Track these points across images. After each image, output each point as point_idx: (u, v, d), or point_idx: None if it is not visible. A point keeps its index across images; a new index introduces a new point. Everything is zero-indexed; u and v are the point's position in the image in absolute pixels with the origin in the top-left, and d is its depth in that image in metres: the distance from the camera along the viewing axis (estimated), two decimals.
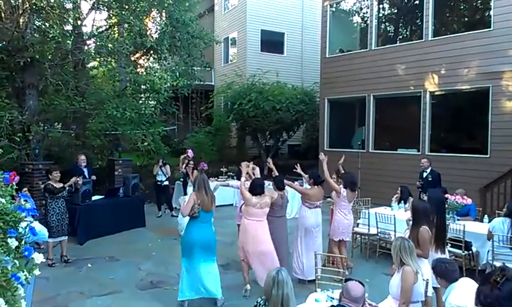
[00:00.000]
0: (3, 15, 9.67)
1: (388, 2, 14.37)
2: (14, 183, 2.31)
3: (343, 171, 7.12)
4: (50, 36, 9.19)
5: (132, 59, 12.81)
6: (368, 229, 7.39)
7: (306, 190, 6.41)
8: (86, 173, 9.08)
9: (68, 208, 7.78)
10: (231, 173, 12.88)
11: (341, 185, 6.40)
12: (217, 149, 17.51)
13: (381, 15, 13.92)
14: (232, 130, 18.98)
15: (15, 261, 2.11)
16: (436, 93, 11.55)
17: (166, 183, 10.72)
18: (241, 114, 15.73)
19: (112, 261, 7.25)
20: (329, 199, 6.94)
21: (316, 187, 6.27)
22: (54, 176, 6.98)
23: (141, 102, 12.63)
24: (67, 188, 7.16)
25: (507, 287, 1.96)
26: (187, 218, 8.79)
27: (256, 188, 5.55)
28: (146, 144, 11.49)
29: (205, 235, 5.19)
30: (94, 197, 8.85)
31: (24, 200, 2.30)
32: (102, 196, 9.25)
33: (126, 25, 11.24)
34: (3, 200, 2.17)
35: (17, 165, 9.44)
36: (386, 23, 15.02)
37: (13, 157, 9.30)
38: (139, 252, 7.70)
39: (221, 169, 13.11)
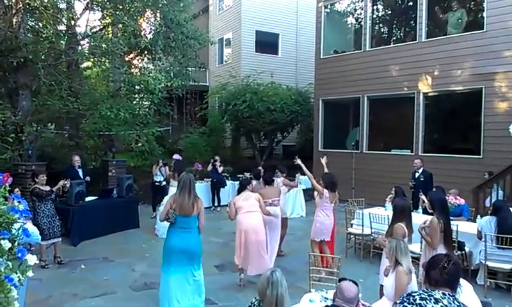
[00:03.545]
0: None
1: (382, 3, 14.43)
2: (7, 184, 2.29)
3: (326, 171, 7.09)
4: (44, 36, 9.16)
5: (126, 59, 12.77)
6: (362, 229, 7.41)
7: (260, 192, 6.63)
8: (80, 174, 9.06)
9: (61, 209, 7.77)
10: (225, 174, 12.87)
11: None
12: (212, 150, 17.47)
13: (375, 16, 13.99)
14: (226, 130, 18.95)
15: (8, 262, 2.10)
16: (430, 94, 11.62)
17: (164, 183, 10.70)
18: (236, 115, 15.71)
19: (105, 262, 7.21)
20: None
21: (267, 186, 6.86)
22: (40, 180, 6.91)
23: (135, 102, 12.59)
24: (55, 191, 7.10)
25: (452, 270, 2.56)
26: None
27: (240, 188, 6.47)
28: (140, 145, 11.46)
29: (183, 242, 4.74)
30: (88, 198, 8.80)
31: (17, 201, 2.29)
32: (96, 197, 9.20)
33: (120, 26, 11.20)
34: None
35: (10, 166, 9.38)
36: (380, 25, 15.10)
37: (5, 158, 9.24)
38: (133, 253, 7.67)
39: (225, 169, 13.10)
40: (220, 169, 11.98)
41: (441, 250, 4.62)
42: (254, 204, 6.03)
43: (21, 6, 9.47)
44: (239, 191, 6.36)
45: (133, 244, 8.29)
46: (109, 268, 6.88)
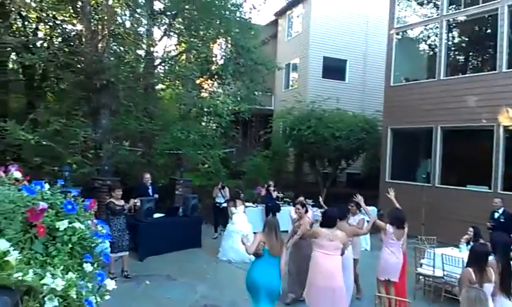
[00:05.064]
0: (84, 39, 10.47)
1: (458, 30, 13.81)
2: (93, 210, 2.43)
3: (397, 206, 6.62)
4: (125, 60, 9.81)
5: (198, 82, 13.29)
6: (434, 270, 6.94)
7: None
8: (150, 191, 9.42)
9: (131, 224, 8.12)
10: (287, 199, 12.76)
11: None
12: (274, 174, 17.48)
13: (450, 43, 13.38)
14: (289, 155, 18.93)
15: (89, 284, 2.20)
16: (511, 128, 10.78)
17: (225, 205, 10.84)
18: (300, 140, 15.65)
19: (169, 279, 7.40)
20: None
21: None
22: (116, 194, 7.28)
23: (203, 124, 13.01)
24: (126, 208, 7.45)
25: None
26: (231, 242, 8.77)
27: (329, 221, 5.45)
28: (206, 166, 11.76)
29: (270, 277, 4.94)
30: (155, 215, 9.13)
31: (101, 226, 2.41)
32: (163, 214, 9.51)
33: (194, 52, 11.72)
34: (82, 226, 2.29)
35: (88, 179, 10.04)
36: (456, 52, 14.41)
37: (84, 172, 9.91)
38: (195, 273, 7.79)
39: (277, 194, 13.04)
40: (274, 194, 11.75)
41: (499, 295, 4.36)
42: (338, 248, 5.27)
43: (106, 32, 10.26)
44: (326, 224, 5.43)
45: (195, 264, 8.45)
46: (172, 286, 7.04)
